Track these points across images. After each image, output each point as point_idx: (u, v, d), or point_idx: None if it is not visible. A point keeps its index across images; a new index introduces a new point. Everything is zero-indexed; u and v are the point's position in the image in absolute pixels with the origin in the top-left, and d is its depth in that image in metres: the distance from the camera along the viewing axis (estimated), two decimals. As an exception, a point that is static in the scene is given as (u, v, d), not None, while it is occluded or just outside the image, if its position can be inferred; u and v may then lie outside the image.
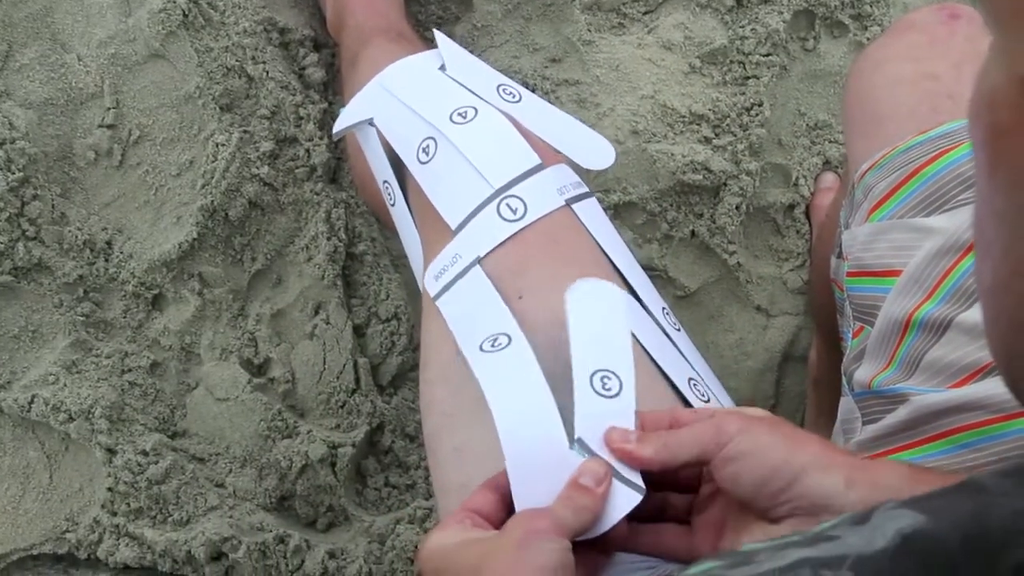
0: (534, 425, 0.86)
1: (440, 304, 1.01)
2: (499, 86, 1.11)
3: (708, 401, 0.98)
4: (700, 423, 0.79)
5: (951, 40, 1.04)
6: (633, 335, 0.95)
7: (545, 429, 0.85)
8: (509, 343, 0.92)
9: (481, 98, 1.09)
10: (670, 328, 1.02)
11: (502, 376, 0.90)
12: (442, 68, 1.12)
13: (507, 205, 1.01)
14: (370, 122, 1.13)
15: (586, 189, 1.06)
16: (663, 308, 1.03)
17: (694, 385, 0.98)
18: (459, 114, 1.06)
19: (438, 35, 1.15)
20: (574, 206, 1.03)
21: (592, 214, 1.05)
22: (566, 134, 1.11)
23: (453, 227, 1.02)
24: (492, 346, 0.92)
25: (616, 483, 0.81)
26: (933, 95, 1.01)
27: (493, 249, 1.00)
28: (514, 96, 1.12)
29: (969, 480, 0.53)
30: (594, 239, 1.03)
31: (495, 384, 0.90)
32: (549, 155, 1.07)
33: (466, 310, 0.99)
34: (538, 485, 0.81)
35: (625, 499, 0.80)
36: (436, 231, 1.05)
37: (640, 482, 0.81)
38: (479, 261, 1.00)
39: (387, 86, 1.14)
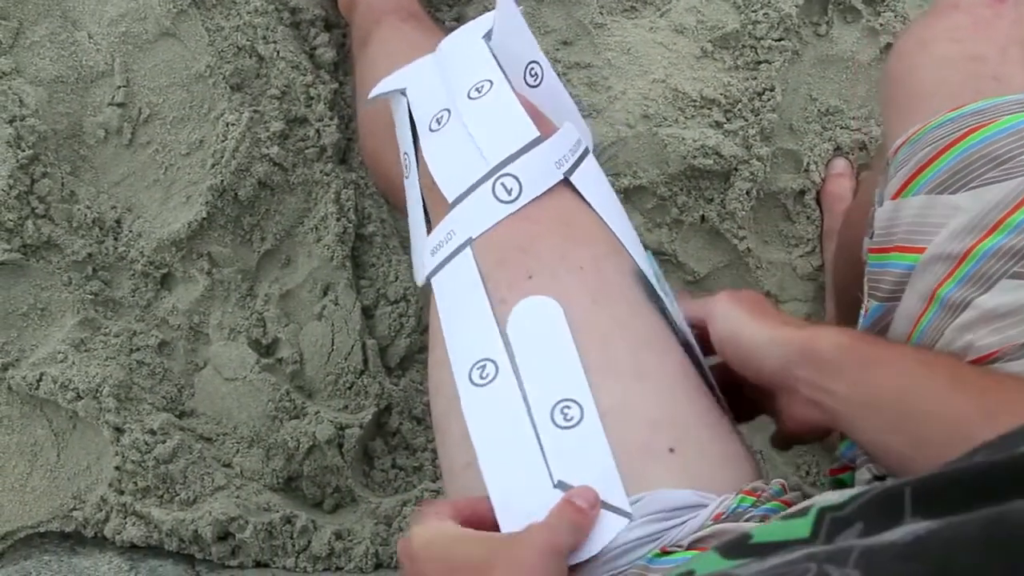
0: (518, 467, 0.88)
1: (434, 283, 1.02)
2: (529, 64, 1.12)
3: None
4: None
5: (996, 22, 1.03)
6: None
7: (529, 472, 0.88)
8: (496, 375, 0.93)
9: (502, 71, 1.08)
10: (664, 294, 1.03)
11: (487, 415, 0.92)
12: (488, 35, 1.12)
13: (502, 184, 1.01)
14: (403, 92, 1.13)
15: (583, 148, 1.06)
16: (653, 273, 1.03)
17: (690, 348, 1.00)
18: (476, 88, 1.07)
19: None
20: (573, 176, 1.02)
21: (590, 179, 1.04)
22: (564, 116, 1.12)
23: (450, 200, 1.03)
24: (481, 377, 0.93)
25: (603, 511, 0.84)
26: (978, 76, 1.00)
27: (489, 229, 1.00)
28: (536, 79, 1.12)
29: (979, 474, 0.53)
30: (596, 212, 1.03)
31: (480, 424, 0.92)
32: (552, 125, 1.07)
33: (454, 301, 1.00)
34: (524, 522, 0.83)
35: (612, 523, 0.84)
36: (439, 203, 1.05)
37: (627, 508, 0.85)
38: (471, 242, 1.00)
39: (437, 57, 1.15)
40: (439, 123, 1.07)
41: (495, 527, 0.86)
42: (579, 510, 0.82)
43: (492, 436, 0.90)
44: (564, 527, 0.80)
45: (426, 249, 1.04)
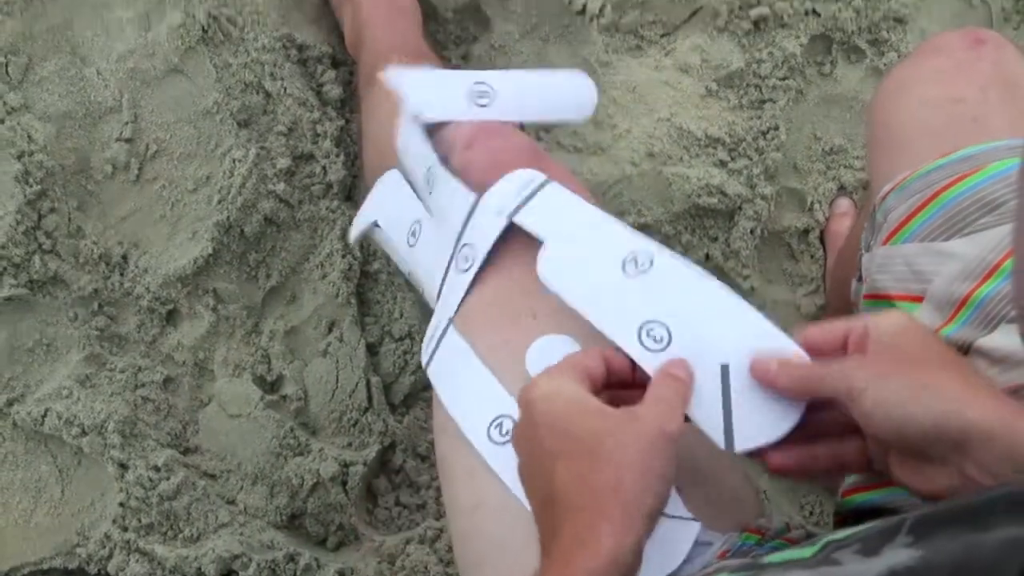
0: None
1: (429, 373, 1.02)
2: (473, 91, 1.11)
3: (663, 344, 0.89)
4: (831, 367, 0.80)
5: (977, 64, 1.04)
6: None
7: None
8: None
9: (436, 152, 1.08)
10: (637, 270, 0.93)
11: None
12: (417, 115, 1.11)
13: (462, 256, 1.01)
14: (376, 224, 1.14)
15: (533, 188, 1.01)
16: (628, 257, 0.93)
17: (649, 332, 0.90)
18: (427, 181, 1.07)
19: (391, 73, 1.13)
20: (518, 216, 0.99)
21: (540, 212, 0.99)
22: (545, 102, 1.12)
23: (436, 298, 1.04)
24: (501, 435, 0.94)
25: (670, 521, 0.83)
26: (958, 118, 1.02)
27: (463, 300, 1.00)
28: (486, 96, 1.11)
29: (974, 507, 0.54)
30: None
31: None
32: (510, 163, 1.05)
33: (451, 377, 1.00)
34: None
35: (688, 531, 0.86)
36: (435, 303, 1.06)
37: (688, 515, 0.86)
38: (451, 321, 1.00)
39: (385, 180, 1.15)
40: (415, 236, 1.07)
41: (627, 384, 0.85)
42: (677, 377, 0.82)
43: None
44: (673, 399, 0.79)
45: (423, 348, 1.05)
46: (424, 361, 1.04)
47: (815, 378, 0.80)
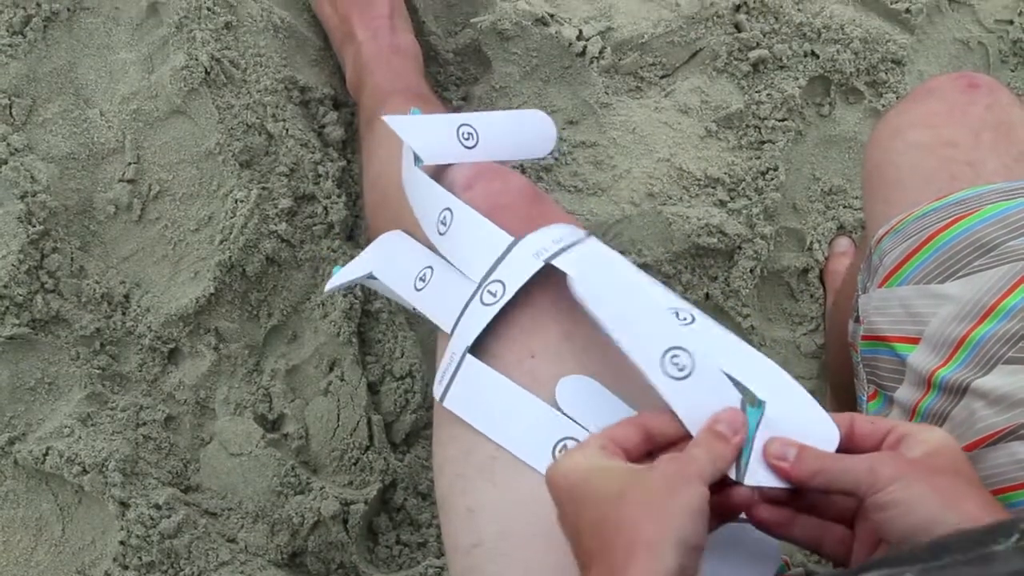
0: None
1: (448, 405, 1.00)
2: (460, 129, 1.11)
3: (685, 373, 0.89)
4: (856, 461, 0.77)
5: (970, 108, 1.05)
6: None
7: None
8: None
9: (451, 192, 1.08)
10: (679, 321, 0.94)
11: None
12: (417, 158, 1.11)
13: (488, 291, 1.00)
14: (371, 276, 1.13)
15: (574, 240, 1.02)
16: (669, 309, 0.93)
17: (673, 359, 0.89)
18: (440, 223, 1.06)
19: (387, 120, 1.12)
20: (558, 260, 0.98)
21: (582, 261, 0.99)
22: (516, 141, 1.13)
23: (448, 331, 1.03)
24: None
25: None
26: (951, 162, 1.02)
27: (483, 333, 0.99)
28: (472, 138, 1.12)
29: (986, 539, 0.54)
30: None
31: None
32: (536, 219, 1.06)
33: (480, 403, 0.98)
34: None
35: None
36: (444, 339, 1.05)
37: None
38: (468, 350, 0.99)
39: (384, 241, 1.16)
40: (423, 280, 1.07)
41: (668, 446, 0.82)
42: (720, 436, 0.79)
43: None
44: (703, 457, 0.77)
45: (435, 381, 1.04)
46: (439, 393, 1.02)
47: (834, 472, 0.78)
